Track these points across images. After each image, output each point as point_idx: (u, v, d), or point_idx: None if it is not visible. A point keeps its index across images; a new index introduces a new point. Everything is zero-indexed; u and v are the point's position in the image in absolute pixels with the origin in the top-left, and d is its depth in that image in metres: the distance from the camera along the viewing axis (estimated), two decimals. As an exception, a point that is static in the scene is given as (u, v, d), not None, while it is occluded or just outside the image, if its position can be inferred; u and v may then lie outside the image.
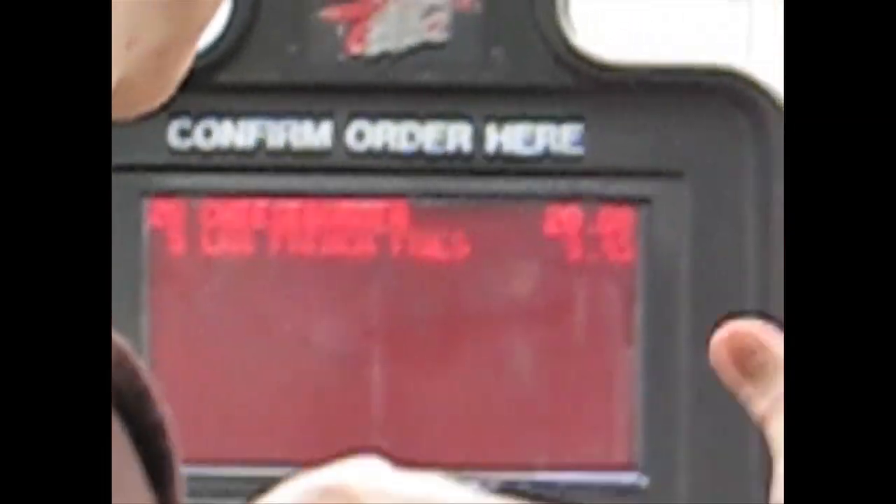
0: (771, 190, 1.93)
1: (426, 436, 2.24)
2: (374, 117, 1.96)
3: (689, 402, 2.06)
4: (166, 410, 0.57)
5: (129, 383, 0.56)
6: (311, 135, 1.99)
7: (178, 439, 0.57)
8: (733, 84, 1.98)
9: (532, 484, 2.16)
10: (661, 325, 2.03)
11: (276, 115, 1.95)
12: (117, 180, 1.65)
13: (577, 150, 1.97)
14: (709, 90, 2.00)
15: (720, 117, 1.97)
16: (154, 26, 0.62)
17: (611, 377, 2.15)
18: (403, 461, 0.79)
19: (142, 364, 0.57)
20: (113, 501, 0.46)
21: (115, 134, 0.54)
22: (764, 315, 1.81)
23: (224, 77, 1.91)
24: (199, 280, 2.03)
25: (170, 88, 0.65)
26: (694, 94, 2.00)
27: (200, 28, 0.65)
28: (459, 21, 1.94)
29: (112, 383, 0.53)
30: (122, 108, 0.62)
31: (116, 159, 0.70)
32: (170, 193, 2.00)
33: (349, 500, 0.65)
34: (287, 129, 1.98)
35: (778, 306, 1.89)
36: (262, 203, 2.00)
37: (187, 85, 0.64)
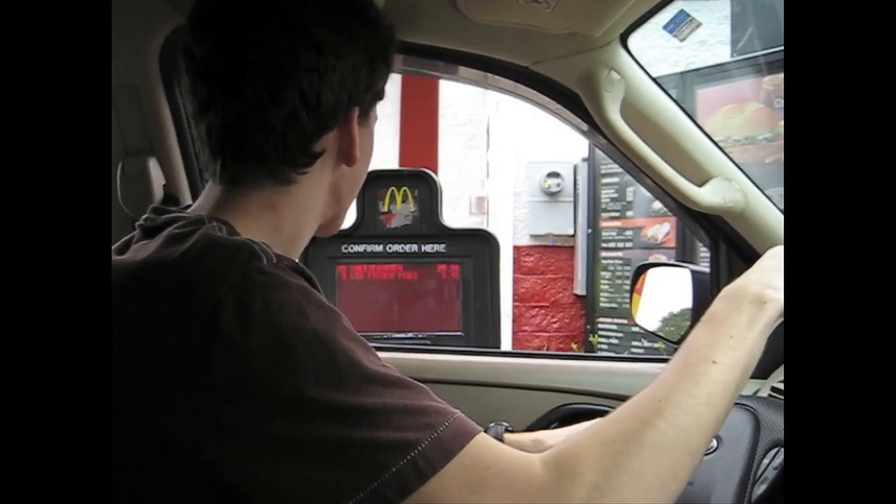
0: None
1: (386, 314, 3.65)
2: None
3: (475, 313, 3.53)
4: None
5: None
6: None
7: None
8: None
9: (422, 336, 3.57)
10: (468, 292, 3.56)
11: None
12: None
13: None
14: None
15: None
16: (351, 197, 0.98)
17: (452, 305, 3.61)
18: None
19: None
20: None
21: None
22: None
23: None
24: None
25: (341, 225, 0.99)
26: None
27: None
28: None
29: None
30: (322, 232, 0.96)
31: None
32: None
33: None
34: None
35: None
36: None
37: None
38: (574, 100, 1.39)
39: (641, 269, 1.47)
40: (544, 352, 5.17)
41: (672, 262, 1.50)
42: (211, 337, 0.70)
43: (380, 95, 0.96)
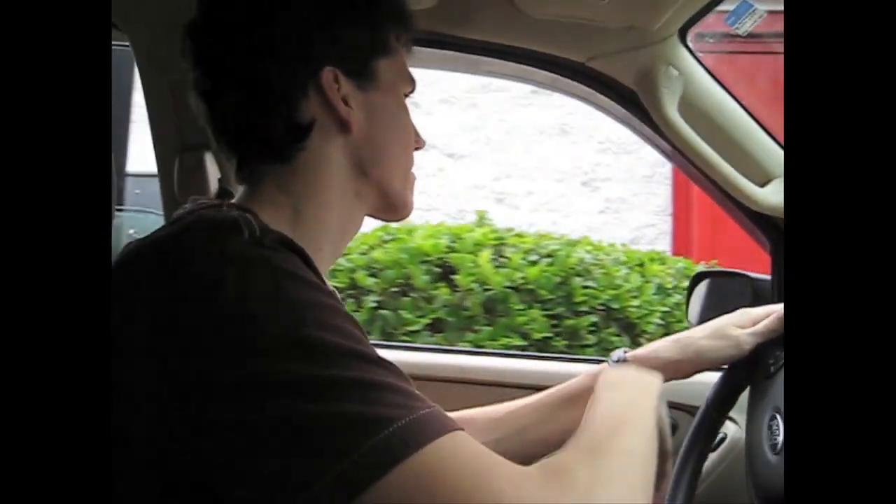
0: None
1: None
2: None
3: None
4: None
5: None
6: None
7: None
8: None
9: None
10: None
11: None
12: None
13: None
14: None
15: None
16: None
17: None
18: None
19: None
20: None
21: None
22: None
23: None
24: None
25: (401, 204, 0.95)
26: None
27: None
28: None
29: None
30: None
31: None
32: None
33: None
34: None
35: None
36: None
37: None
38: (630, 97, 1.36)
39: (699, 277, 1.40)
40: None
41: (730, 270, 1.41)
42: (180, 316, 0.68)
43: (376, 51, 0.89)
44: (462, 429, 0.67)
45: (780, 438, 0.98)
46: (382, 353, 0.68)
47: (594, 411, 0.80)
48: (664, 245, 5.82)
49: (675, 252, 5.75)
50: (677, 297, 3.14)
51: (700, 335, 1.07)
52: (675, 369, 1.05)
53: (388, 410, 0.64)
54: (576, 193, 5.92)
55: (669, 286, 3.19)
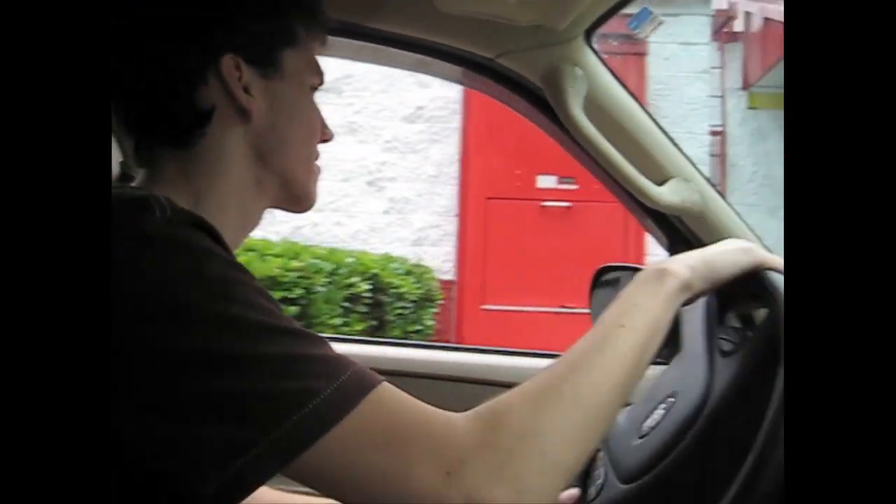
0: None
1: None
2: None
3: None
4: None
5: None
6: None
7: None
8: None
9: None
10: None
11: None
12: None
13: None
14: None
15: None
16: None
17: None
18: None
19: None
20: None
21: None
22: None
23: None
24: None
25: (303, 195, 0.94)
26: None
27: None
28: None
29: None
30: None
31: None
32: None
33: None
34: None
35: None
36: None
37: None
38: (536, 94, 1.38)
39: (602, 272, 1.45)
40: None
41: (631, 265, 1.47)
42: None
43: (280, 40, 0.89)
44: (383, 380, 0.71)
45: (646, 424, 1.02)
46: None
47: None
48: (449, 246, 5.96)
49: (460, 252, 5.89)
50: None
51: (710, 250, 0.96)
52: (687, 287, 0.90)
53: (313, 382, 0.67)
54: (361, 193, 5.93)
55: (285, 280, 3.67)
